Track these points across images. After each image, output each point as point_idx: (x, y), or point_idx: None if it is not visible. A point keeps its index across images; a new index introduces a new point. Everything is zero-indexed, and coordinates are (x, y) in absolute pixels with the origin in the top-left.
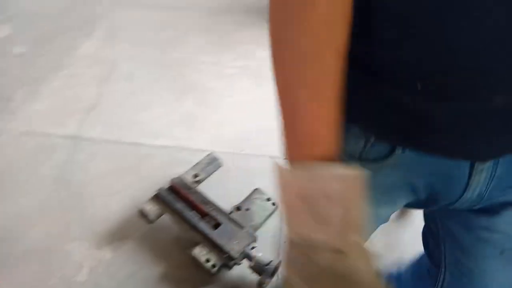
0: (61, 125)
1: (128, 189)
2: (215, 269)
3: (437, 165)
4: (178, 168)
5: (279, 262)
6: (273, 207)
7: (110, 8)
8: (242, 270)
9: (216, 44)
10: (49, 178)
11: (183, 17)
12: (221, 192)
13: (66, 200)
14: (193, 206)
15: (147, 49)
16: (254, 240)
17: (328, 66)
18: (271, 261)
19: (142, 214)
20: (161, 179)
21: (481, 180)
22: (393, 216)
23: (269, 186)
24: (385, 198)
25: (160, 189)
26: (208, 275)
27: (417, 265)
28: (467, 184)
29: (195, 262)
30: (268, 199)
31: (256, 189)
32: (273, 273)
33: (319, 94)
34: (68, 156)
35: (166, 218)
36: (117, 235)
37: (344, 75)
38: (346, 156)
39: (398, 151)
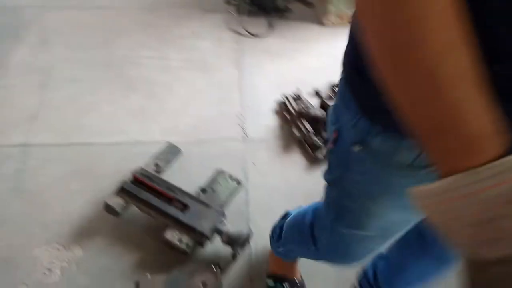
0: (6, 135)
1: (88, 188)
2: (189, 248)
3: None
4: (137, 161)
5: (249, 233)
6: (237, 184)
7: (39, 12)
8: (215, 246)
9: (157, 39)
10: (3, 189)
11: (119, 16)
12: (185, 178)
13: (25, 208)
14: (159, 194)
15: (85, 50)
16: (223, 216)
17: (469, 52)
18: (240, 232)
19: (108, 209)
20: (121, 174)
21: None
22: None
23: (229, 167)
24: None
25: (123, 182)
26: (183, 255)
27: (403, 236)
28: None
29: (168, 245)
30: (231, 178)
31: (218, 170)
32: (244, 243)
33: (472, 85)
34: (19, 165)
35: (133, 209)
36: (85, 233)
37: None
38: (394, 165)
39: None
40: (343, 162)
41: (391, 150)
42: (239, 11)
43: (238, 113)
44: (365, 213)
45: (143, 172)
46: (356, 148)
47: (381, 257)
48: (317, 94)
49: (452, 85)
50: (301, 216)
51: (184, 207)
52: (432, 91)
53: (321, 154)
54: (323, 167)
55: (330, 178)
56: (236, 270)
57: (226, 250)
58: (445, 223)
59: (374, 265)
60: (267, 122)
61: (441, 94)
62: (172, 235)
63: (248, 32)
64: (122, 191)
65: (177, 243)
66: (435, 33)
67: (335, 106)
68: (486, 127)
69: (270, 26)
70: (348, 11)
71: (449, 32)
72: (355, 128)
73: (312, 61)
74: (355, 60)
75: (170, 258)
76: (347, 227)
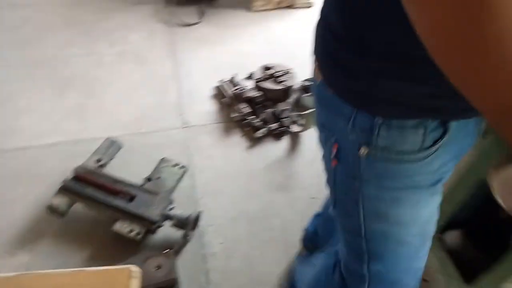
0: None
1: (30, 192)
2: (140, 236)
3: (469, 126)
4: (79, 160)
5: (198, 214)
6: (181, 170)
7: None
8: (166, 231)
9: (86, 35)
10: None
11: (42, 13)
12: (129, 170)
13: None
14: (103, 188)
15: (9, 50)
16: (171, 202)
17: None
18: (190, 214)
19: (52, 209)
20: (64, 175)
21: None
22: None
23: (173, 154)
24: (443, 174)
25: (64, 181)
26: (135, 244)
27: None
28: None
29: (119, 236)
30: (175, 165)
31: (162, 159)
32: (194, 224)
33: None
34: None
35: (79, 207)
36: (29, 237)
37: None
38: (405, 155)
39: (451, 125)
40: (354, 176)
41: (398, 140)
42: (168, 1)
43: (176, 102)
44: (402, 226)
45: (85, 169)
46: (364, 152)
47: (318, 214)
48: (251, 76)
49: None
50: (324, 278)
51: (130, 197)
52: None
53: (260, 133)
54: (264, 145)
55: (344, 209)
56: (189, 250)
57: (178, 233)
58: None
59: (313, 223)
60: (206, 108)
61: None
62: (122, 226)
63: (180, 22)
64: (64, 189)
65: (128, 233)
66: None
67: (322, 121)
68: None
69: (201, 14)
70: None
71: None
72: (355, 129)
73: (244, 46)
74: (337, 58)
75: (122, 250)
76: (387, 252)
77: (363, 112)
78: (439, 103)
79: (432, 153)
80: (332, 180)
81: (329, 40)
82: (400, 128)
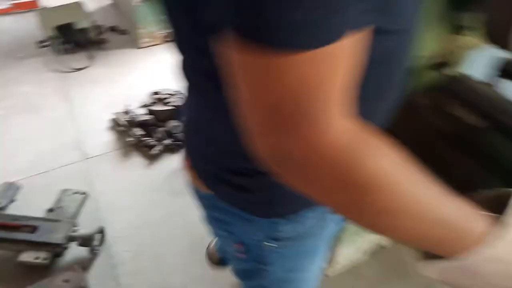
0: None
1: None
2: (47, 261)
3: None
4: None
5: (101, 229)
6: (82, 196)
7: None
8: (75, 251)
9: None
10: None
11: None
12: (33, 208)
13: None
14: (4, 227)
15: None
16: (74, 225)
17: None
18: (93, 232)
19: None
20: None
21: None
22: None
23: (76, 186)
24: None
25: None
26: (43, 270)
27: None
28: None
29: (27, 266)
30: (76, 193)
31: (62, 190)
32: (100, 239)
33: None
34: None
35: None
36: None
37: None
38: (310, 232)
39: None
40: (262, 262)
41: (302, 226)
42: (56, 51)
43: (75, 139)
44: (306, 278)
45: None
46: (272, 245)
47: None
48: (143, 104)
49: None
50: None
51: (33, 229)
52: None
53: (156, 150)
54: (161, 161)
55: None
56: (99, 262)
57: (87, 251)
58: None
59: (218, 244)
60: (103, 139)
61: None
62: (28, 256)
63: (70, 68)
64: None
65: (34, 260)
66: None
67: (214, 216)
68: (470, 216)
69: (90, 58)
70: (158, 31)
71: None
72: (258, 231)
73: (134, 79)
74: (227, 176)
75: (33, 278)
76: None
77: (263, 217)
78: None
79: (326, 221)
80: (241, 267)
81: (212, 157)
82: (301, 217)
